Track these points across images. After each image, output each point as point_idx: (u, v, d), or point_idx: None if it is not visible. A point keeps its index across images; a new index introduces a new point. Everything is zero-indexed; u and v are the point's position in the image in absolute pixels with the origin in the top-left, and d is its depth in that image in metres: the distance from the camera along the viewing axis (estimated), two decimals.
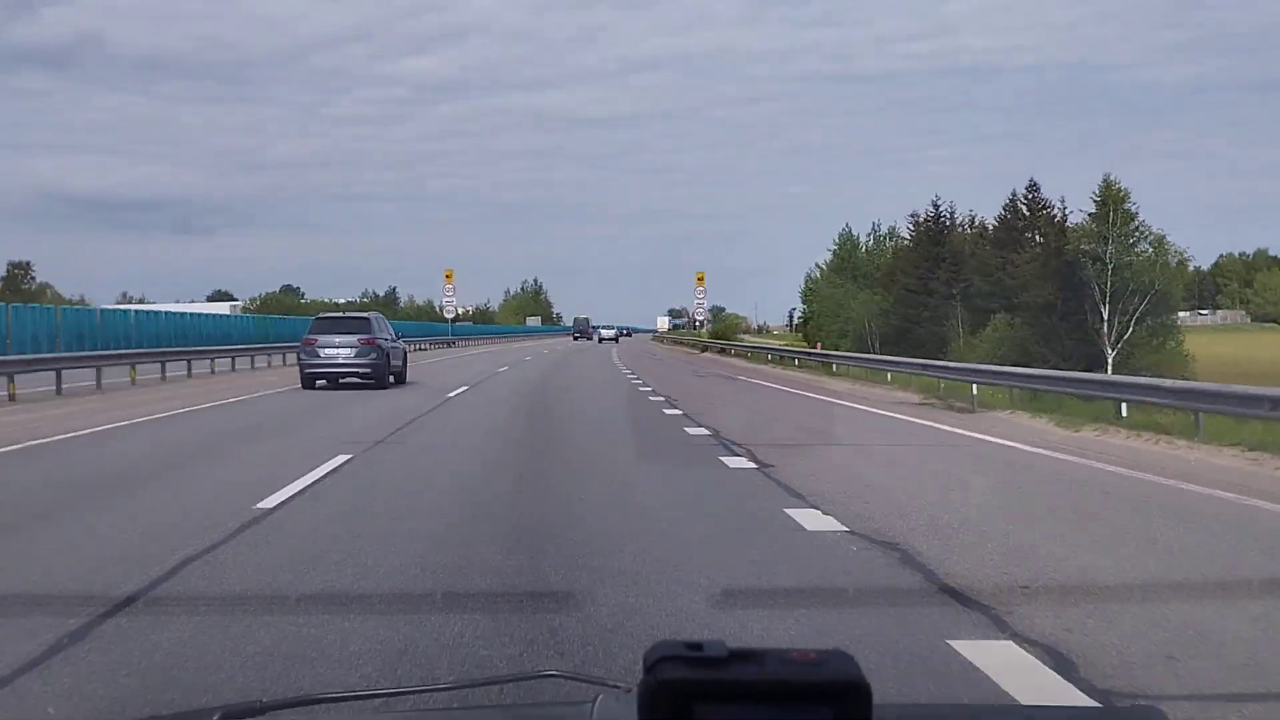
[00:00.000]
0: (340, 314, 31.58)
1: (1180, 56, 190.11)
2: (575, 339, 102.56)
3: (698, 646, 1.23)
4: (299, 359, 25.49)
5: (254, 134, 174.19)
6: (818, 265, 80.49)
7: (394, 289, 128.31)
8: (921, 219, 65.49)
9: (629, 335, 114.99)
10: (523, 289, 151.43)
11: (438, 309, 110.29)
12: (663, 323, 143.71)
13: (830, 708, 1.20)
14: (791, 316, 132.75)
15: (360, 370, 24.42)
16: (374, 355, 24.45)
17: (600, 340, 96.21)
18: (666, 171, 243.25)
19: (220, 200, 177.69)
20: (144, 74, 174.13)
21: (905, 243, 68.73)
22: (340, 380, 24.57)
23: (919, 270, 61.36)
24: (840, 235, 77.60)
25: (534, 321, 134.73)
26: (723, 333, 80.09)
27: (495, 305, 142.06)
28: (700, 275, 77.73)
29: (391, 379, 25.12)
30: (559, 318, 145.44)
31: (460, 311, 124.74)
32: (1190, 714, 4.20)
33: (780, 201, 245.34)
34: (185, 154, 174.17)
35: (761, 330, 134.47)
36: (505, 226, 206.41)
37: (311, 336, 25.00)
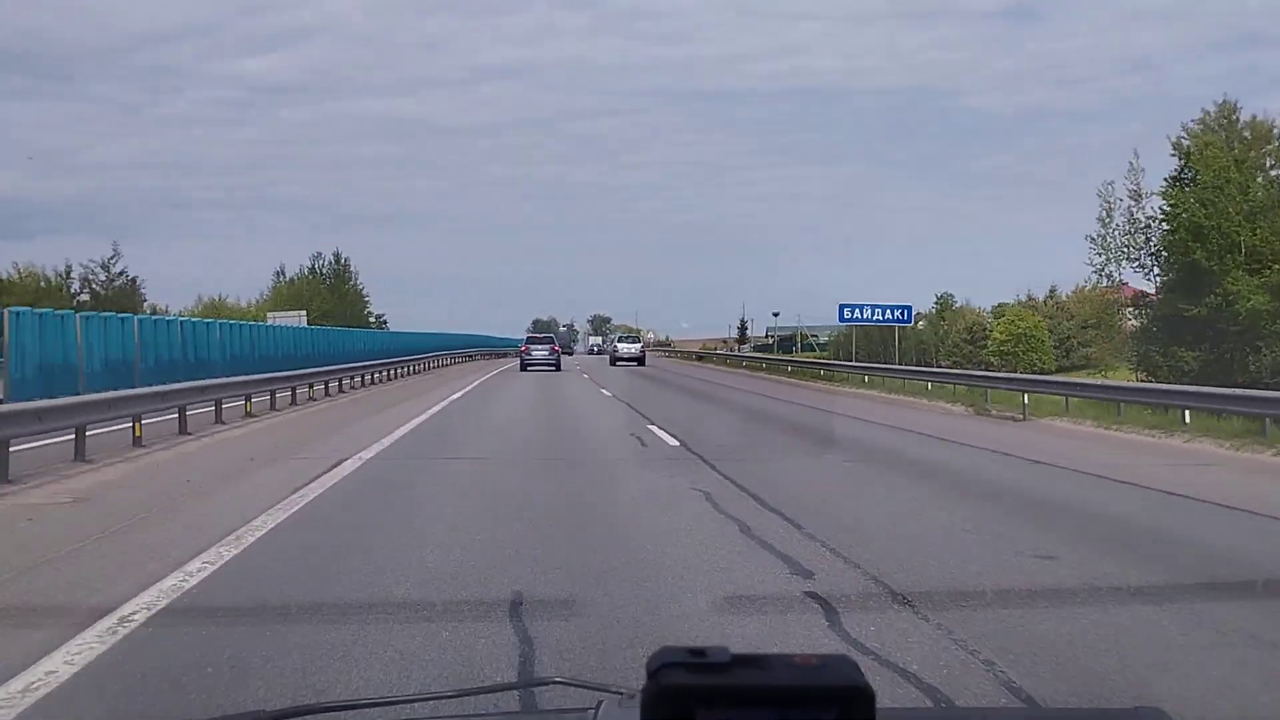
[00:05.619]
0: (540, 334, 55.86)
1: (1013, 85, 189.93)
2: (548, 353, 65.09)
3: (701, 652, 1.23)
4: (520, 356, 52.46)
5: (76, 133, 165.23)
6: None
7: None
8: None
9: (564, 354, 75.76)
10: (313, 270, 76.14)
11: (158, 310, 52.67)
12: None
13: (833, 712, 1.19)
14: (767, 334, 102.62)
15: (549, 362, 50.90)
16: (556, 355, 52.53)
17: (614, 362, 59.96)
18: (519, 184, 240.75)
19: (39, 202, 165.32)
20: None
21: None
22: (530, 367, 49.96)
23: None
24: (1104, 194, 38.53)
25: (292, 320, 49.01)
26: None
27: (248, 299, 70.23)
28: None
29: (559, 367, 51.50)
30: (381, 321, 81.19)
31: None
32: (1193, 715, 4.18)
33: (631, 217, 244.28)
34: None
35: (668, 342, 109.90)
36: (352, 236, 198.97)
37: (526, 346, 53.40)
